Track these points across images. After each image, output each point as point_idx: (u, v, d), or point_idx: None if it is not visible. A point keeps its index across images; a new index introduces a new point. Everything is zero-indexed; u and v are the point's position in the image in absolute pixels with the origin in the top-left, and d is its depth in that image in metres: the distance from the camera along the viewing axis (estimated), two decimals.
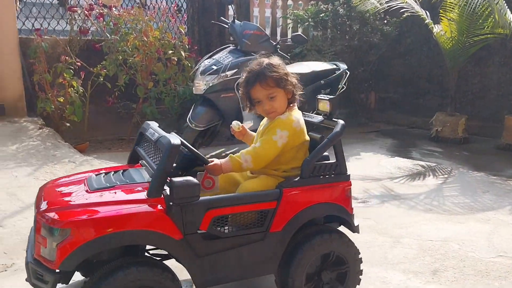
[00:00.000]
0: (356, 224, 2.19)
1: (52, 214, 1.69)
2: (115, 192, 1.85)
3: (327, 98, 2.27)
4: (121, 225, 1.69)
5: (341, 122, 2.14)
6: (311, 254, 2.03)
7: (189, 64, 5.40)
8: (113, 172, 2.07)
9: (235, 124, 2.32)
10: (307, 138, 2.16)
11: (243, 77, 2.14)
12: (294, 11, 7.28)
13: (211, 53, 4.79)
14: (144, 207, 1.74)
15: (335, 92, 5.08)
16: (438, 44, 5.90)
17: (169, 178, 1.76)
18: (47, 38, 5.19)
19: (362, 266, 2.18)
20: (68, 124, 4.93)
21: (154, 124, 2.14)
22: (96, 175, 2.05)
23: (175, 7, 5.74)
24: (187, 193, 1.74)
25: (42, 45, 4.74)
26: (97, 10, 5.18)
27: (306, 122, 2.21)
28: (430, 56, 7.11)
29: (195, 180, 1.77)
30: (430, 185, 4.16)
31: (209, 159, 1.99)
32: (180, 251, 1.80)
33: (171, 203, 1.75)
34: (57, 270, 1.65)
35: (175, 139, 1.80)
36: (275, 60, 2.14)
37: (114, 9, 5.24)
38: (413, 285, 2.42)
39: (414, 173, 4.56)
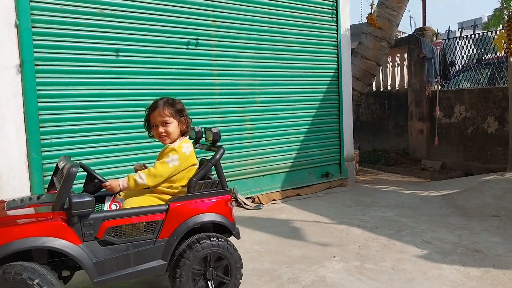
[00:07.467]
0: (235, 231, 2.65)
1: None
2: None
3: (212, 130, 2.79)
4: (26, 233, 2.12)
5: (221, 148, 2.66)
6: (195, 256, 2.46)
7: None
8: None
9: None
10: (196, 161, 2.66)
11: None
12: None
13: None
14: (47, 219, 2.18)
15: None
16: None
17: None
18: None
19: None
20: None
21: (67, 157, 2.61)
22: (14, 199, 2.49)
23: None
24: (82, 207, 2.19)
25: None
26: None
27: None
28: None
29: (89, 196, 2.22)
30: None
31: (108, 180, 2.47)
32: (79, 255, 2.21)
33: (71, 215, 2.19)
34: None
35: (73, 165, 2.27)
36: (176, 100, 2.68)
37: None
38: None
39: None
